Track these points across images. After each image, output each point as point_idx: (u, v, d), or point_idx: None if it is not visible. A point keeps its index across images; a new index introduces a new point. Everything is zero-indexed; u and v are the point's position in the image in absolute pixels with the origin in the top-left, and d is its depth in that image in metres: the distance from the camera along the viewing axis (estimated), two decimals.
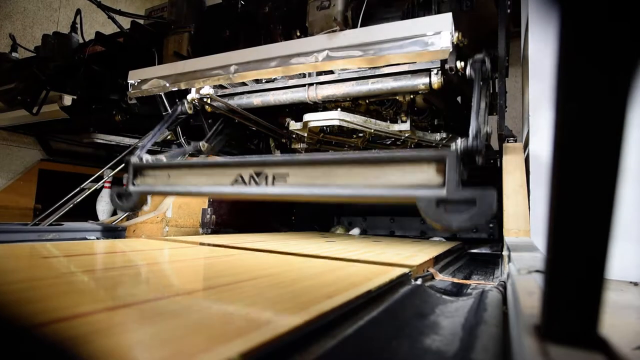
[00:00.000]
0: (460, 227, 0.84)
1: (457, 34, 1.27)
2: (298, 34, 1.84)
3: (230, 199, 2.09)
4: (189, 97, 1.79)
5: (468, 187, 0.86)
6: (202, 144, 1.81)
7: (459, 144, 0.96)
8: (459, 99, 1.96)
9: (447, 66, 1.39)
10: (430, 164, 0.92)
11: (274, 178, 1.15)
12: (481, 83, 1.26)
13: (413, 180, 0.94)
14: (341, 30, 1.43)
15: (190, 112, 1.78)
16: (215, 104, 1.82)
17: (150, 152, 2.14)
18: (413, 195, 0.90)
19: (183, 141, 2.08)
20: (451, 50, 1.36)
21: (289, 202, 2.71)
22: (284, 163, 1.13)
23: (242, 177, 1.21)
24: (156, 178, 1.41)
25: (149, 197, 1.59)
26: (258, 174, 1.18)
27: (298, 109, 2.00)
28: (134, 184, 1.41)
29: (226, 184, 1.24)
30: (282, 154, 1.18)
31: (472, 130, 1.01)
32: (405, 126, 1.74)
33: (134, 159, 1.44)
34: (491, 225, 1.28)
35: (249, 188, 1.19)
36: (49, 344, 0.23)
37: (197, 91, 1.76)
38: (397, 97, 1.67)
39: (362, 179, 1.01)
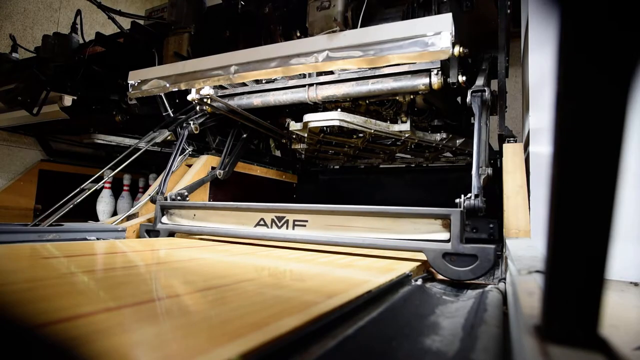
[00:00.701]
0: (463, 278, 0.95)
1: (459, 48, 1.30)
2: (298, 34, 1.84)
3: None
4: (189, 97, 1.80)
5: (470, 243, 0.98)
6: (219, 172, 1.94)
7: (462, 202, 1.06)
8: (459, 99, 1.96)
9: (450, 80, 1.42)
10: (437, 220, 1.04)
11: (294, 223, 1.27)
12: (482, 123, 1.30)
13: (422, 232, 1.06)
14: (341, 30, 1.43)
15: (196, 132, 1.88)
16: (215, 104, 1.83)
17: (150, 152, 2.16)
18: (422, 248, 1.01)
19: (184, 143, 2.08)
20: (455, 66, 1.40)
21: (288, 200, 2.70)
22: (304, 210, 1.25)
23: (264, 221, 1.33)
24: (182, 217, 1.54)
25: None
26: (280, 219, 1.30)
27: (298, 110, 2.01)
28: (161, 222, 1.54)
29: (249, 225, 1.36)
30: (302, 204, 1.30)
31: (473, 190, 1.12)
32: (405, 126, 1.74)
33: (159, 198, 1.58)
34: (491, 225, 1.29)
35: (270, 231, 1.31)
36: (52, 344, 0.23)
37: (197, 92, 1.77)
38: (397, 98, 1.67)
39: (376, 229, 1.12)
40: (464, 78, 1.46)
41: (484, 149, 1.25)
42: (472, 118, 1.94)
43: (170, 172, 1.76)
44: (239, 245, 1.35)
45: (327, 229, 1.20)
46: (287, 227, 1.28)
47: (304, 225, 1.24)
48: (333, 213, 1.20)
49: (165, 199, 1.58)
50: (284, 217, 1.28)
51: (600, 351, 0.30)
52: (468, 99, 1.34)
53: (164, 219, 1.55)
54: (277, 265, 0.95)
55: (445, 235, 1.02)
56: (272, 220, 1.30)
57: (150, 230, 1.54)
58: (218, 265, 0.92)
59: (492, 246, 0.96)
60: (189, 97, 1.79)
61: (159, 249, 1.18)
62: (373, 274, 0.84)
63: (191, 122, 1.86)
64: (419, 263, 1.01)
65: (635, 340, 0.41)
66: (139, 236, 1.58)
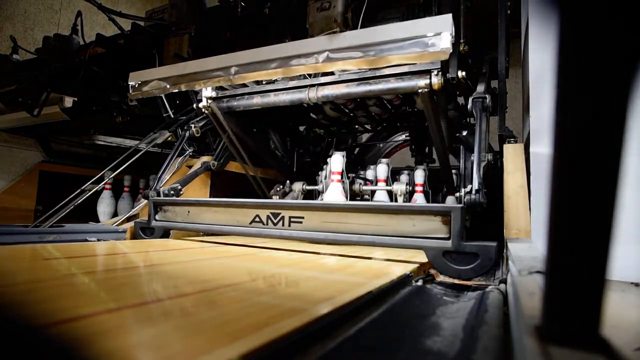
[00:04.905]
0: (464, 277, 0.95)
1: (464, 46, 1.34)
2: (298, 35, 1.84)
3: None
4: (201, 98, 1.80)
5: (471, 240, 0.96)
6: (213, 163, 1.93)
7: (463, 197, 1.05)
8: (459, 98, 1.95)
9: (449, 75, 1.43)
10: (437, 216, 1.02)
11: (290, 220, 1.23)
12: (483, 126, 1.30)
13: (421, 229, 1.04)
14: (341, 31, 1.43)
15: (197, 135, 1.88)
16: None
17: (150, 153, 2.16)
18: (422, 245, 1.00)
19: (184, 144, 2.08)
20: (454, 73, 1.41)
21: None
22: (300, 207, 1.23)
23: (259, 217, 1.30)
24: (176, 213, 1.53)
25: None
26: (275, 215, 1.26)
27: (299, 110, 2.00)
28: (155, 219, 1.53)
29: (245, 222, 1.33)
30: (298, 200, 1.29)
31: (474, 186, 1.11)
32: None
33: (152, 194, 1.55)
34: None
35: (266, 229, 1.29)
36: (54, 345, 0.24)
37: (207, 99, 1.76)
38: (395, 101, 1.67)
39: (373, 225, 1.10)
40: (464, 73, 1.44)
41: (484, 138, 1.23)
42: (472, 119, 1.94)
43: (167, 169, 1.75)
44: (239, 247, 1.35)
45: (323, 226, 1.18)
46: (282, 224, 1.25)
47: (300, 222, 1.22)
48: (330, 209, 1.18)
49: (158, 194, 1.55)
50: (280, 213, 1.26)
51: (601, 352, 0.30)
52: (469, 105, 1.34)
53: (158, 216, 1.55)
54: (277, 267, 0.95)
55: (445, 231, 1.02)
56: (268, 217, 1.28)
57: (145, 228, 1.54)
58: (217, 266, 0.92)
59: (494, 243, 0.96)
60: (200, 105, 1.77)
61: (159, 250, 1.18)
62: (374, 275, 0.84)
63: (192, 126, 1.86)
64: (419, 264, 1.01)
65: (636, 341, 0.41)
66: (134, 234, 1.58)
